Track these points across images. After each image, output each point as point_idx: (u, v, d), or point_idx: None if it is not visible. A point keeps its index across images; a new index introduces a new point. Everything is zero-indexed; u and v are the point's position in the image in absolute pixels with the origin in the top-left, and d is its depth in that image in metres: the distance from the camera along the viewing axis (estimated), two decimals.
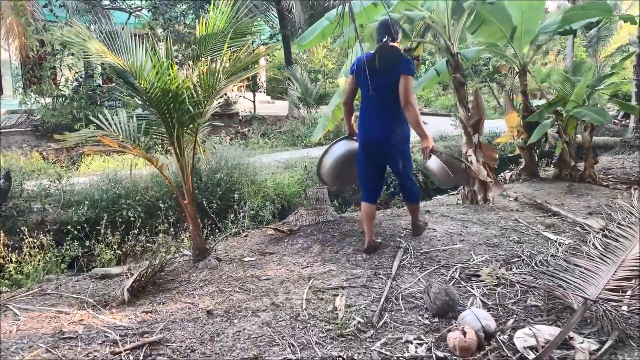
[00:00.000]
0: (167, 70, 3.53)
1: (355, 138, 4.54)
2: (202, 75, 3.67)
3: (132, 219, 5.70)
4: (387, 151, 4.20)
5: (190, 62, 3.91)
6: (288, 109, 17.11)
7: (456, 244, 4.53)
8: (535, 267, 4.03)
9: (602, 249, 4.36)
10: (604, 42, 24.17)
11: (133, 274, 3.61)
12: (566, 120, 7.28)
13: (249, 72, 3.88)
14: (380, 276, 3.80)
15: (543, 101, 7.47)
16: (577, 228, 5.17)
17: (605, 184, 7.27)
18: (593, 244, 4.53)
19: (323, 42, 21.42)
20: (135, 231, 5.17)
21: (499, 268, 3.97)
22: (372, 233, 4.28)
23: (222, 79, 3.71)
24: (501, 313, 3.28)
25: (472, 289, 3.61)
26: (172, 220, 5.52)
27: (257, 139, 12.38)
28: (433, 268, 3.96)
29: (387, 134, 4.11)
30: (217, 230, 5.86)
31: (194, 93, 3.75)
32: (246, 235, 4.96)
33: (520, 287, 3.62)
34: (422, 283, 3.67)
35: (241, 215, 5.75)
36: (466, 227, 5.14)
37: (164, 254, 4.03)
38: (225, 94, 11.81)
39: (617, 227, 5.01)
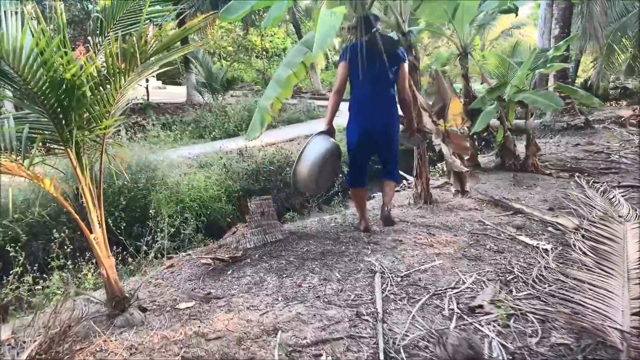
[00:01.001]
0: (58, 50, 2.42)
1: (332, 134, 4.52)
2: (111, 58, 2.59)
3: (8, 248, 4.39)
4: (387, 137, 4.42)
5: (91, 40, 2.79)
6: (187, 95, 15.69)
7: (434, 260, 3.87)
8: (535, 285, 3.47)
9: (594, 255, 3.94)
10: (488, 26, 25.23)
11: (23, 347, 2.51)
12: (507, 106, 6.94)
13: (177, 52, 2.85)
14: (365, 317, 3.01)
15: (484, 86, 7.06)
16: (550, 228, 4.74)
17: (548, 172, 7.07)
18: (580, 249, 4.10)
19: (219, 22, 20.07)
20: (17, 269, 3.91)
21: (499, 292, 3.35)
22: (366, 213, 4.78)
23: (139, 62, 2.66)
24: (529, 359, 2.64)
25: (482, 326, 2.93)
26: (67, 243, 4.30)
27: (157, 131, 10.99)
28: (423, 299, 3.24)
29: (388, 120, 4.38)
30: (128, 257, 4.71)
31: (99, 83, 2.66)
32: (171, 266, 3.91)
33: (534, 317, 3.01)
34: (419, 324, 2.93)
35: (159, 235, 4.65)
36: (433, 234, 4.52)
37: (66, 307, 2.91)
38: None
39: (590, 225, 4.66)
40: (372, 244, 4.20)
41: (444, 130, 5.20)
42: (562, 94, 8.79)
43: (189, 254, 4.14)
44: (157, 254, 4.59)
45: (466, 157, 5.44)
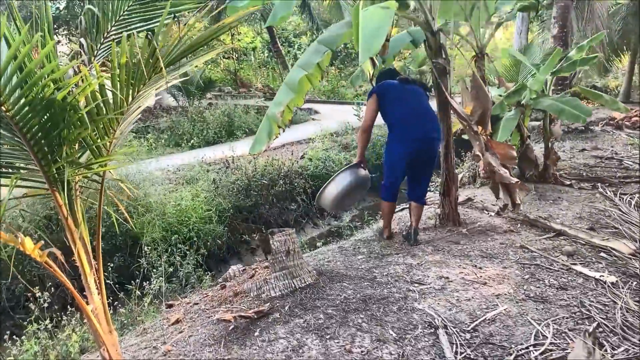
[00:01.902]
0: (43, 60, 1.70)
1: (362, 166, 4.68)
2: (120, 67, 1.89)
3: None
4: (430, 157, 4.46)
5: (85, 43, 2.06)
6: (162, 98, 14.75)
7: (496, 304, 3.27)
8: (627, 334, 2.92)
9: None
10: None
11: None
12: (524, 111, 6.44)
13: (205, 55, 2.18)
14: None
15: (502, 90, 6.54)
16: (603, 254, 4.22)
17: (569, 183, 6.59)
18: None
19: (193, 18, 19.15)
20: None
21: (594, 349, 2.77)
22: (391, 224, 4.86)
23: (161, 68, 1.98)
24: None
25: None
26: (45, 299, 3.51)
27: (129, 140, 10.12)
28: None
29: (434, 136, 4.40)
30: (113, 294, 3.95)
31: (99, 103, 1.95)
32: (178, 321, 3.19)
33: None
34: None
35: (149, 269, 3.91)
36: (479, 267, 3.93)
37: None
38: None
39: None
40: (415, 284, 3.58)
41: (486, 139, 4.62)
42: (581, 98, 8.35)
43: (197, 304, 3.41)
44: (151, 297, 3.85)
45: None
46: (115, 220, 2.70)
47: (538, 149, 7.47)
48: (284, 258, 3.30)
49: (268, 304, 3.09)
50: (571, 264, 4.04)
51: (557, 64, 6.16)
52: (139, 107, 2.18)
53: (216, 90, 19.65)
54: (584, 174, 7.26)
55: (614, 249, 4.27)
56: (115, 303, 4.04)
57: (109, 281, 4.08)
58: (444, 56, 4.55)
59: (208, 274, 4.99)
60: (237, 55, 26.05)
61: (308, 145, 9.91)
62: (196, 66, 17.40)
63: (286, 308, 3.10)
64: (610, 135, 10.72)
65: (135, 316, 3.65)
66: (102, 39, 2.15)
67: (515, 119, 5.98)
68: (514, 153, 4.87)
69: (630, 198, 5.88)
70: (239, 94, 19.35)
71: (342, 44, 4.09)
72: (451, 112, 4.68)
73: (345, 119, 11.78)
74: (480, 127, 4.70)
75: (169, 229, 5.82)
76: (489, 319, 3.09)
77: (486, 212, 5.43)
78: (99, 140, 2.02)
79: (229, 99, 13.74)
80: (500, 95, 6.63)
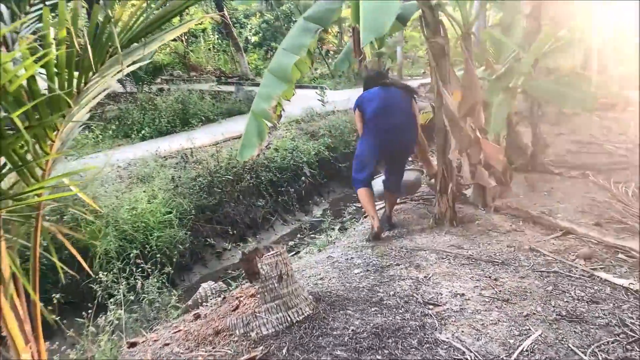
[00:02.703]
0: None
1: None
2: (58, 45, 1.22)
3: None
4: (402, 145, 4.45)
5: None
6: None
7: (527, 328, 2.81)
8: None
9: None
10: None
11: None
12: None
13: (176, 30, 1.56)
14: None
15: (488, 74, 6.07)
16: (621, 255, 3.84)
17: (558, 172, 6.25)
18: None
19: None
20: None
21: None
22: (376, 212, 4.51)
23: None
24: None
25: None
26: None
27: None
28: None
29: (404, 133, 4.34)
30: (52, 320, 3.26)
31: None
32: None
33: None
34: None
35: (109, 306, 3.24)
36: (494, 277, 3.47)
37: None
38: None
39: None
40: (429, 305, 3.06)
41: (474, 135, 4.13)
42: None
43: (168, 344, 2.77)
44: (109, 333, 3.18)
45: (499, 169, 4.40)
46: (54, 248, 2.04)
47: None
48: (275, 285, 2.70)
49: (260, 346, 2.49)
50: (591, 269, 3.63)
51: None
52: (88, 104, 1.53)
53: (167, 74, 18.53)
54: (570, 161, 6.96)
55: (632, 249, 3.90)
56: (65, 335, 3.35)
57: (53, 314, 3.37)
58: (442, 34, 4.01)
59: (174, 293, 4.31)
60: (186, 37, 24.82)
61: (273, 135, 9.25)
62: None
63: (284, 351, 2.51)
64: (580, 117, 10.55)
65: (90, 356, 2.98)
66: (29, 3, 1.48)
67: (507, 106, 5.54)
68: (502, 156, 4.41)
69: (626, 187, 5.57)
70: (190, 78, 18.34)
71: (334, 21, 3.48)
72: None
73: (308, 105, 11.14)
74: (470, 120, 4.21)
75: (125, 238, 5.10)
76: (526, 350, 2.61)
77: (481, 209, 4.98)
78: (30, 158, 1.37)
79: (181, 84, 12.78)
80: (485, 79, 6.19)
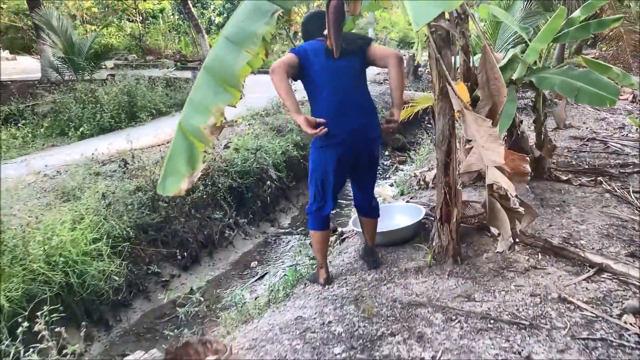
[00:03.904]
0: None
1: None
2: None
3: None
4: (369, 152, 3.39)
5: None
6: (41, 71, 12.24)
7: None
8: None
9: None
10: None
11: None
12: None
13: None
14: None
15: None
16: None
17: (565, 178, 5.38)
18: None
19: None
20: None
21: None
22: (327, 260, 3.67)
23: None
24: None
25: None
26: None
27: None
28: None
29: (363, 124, 3.30)
30: None
31: None
32: None
33: None
34: None
35: None
36: (525, 354, 2.53)
37: None
38: None
39: None
40: None
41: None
42: None
43: None
44: None
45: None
46: None
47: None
48: None
49: None
50: None
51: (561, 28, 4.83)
52: None
53: (121, 58, 17.10)
54: (574, 162, 6.12)
55: None
56: None
57: None
58: (447, 17, 3.03)
59: None
60: (142, 18, 23.21)
61: (232, 131, 8.15)
62: (86, 32, 14.75)
63: None
64: (575, 108, 9.79)
65: None
66: None
67: (514, 102, 4.62)
68: (527, 167, 3.47)
69: None
70: (146, 63, 16.97)
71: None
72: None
73: (274, 94, 10.03)
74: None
75: (36, 278, 4.00)
76: None
77: (486, 234, 4.05)
78: None
79: (133, 69, 11.44)
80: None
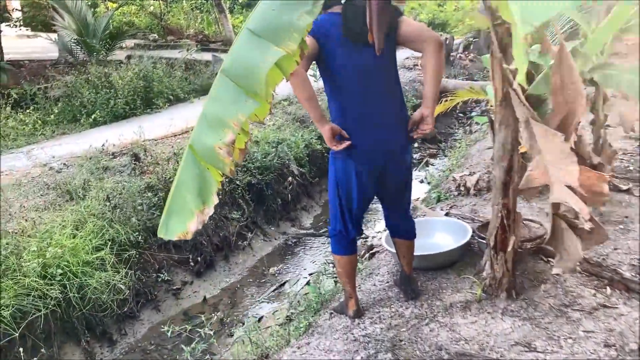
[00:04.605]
0: None
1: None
2: None
3: None
4: (399, 167, 2.87)
5: None
6: (58, 52, 11.86)
7: None
8: None
9: None
10: None
11: None
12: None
13: None
14: None
15: (546, 58, 4.52)
16: None
17: (625, 188, 4.78)
18: None
19: None
20: None
21: None
22: (355, 291, 3.11)
23: None
24: None
25: None
26: None
27: (6, 113, 7.54)
28: None
29: (399, 136, 2.79)
30: None
31: None
32: None
33: None
34: None
35: None
36: None
37: None
38: None
39: None
40: None
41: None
42: None
43: None
44: None
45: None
46: None
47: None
48: None
49: None
50: None
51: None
52: None
53: (142, 38, 16.67)
54: (631, 167, 5.50)
55: None
56: None
57: None
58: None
59: None
60: None
61: (251, 122, 7.65)
62: (107, 9, 14.25)
63: None
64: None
65: None
66: None
67: None
68: (606, 188, 2.92)
69: None
70: (167, 43, 16.51)
71: None
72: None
73: None
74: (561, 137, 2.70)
75: (30, 293, 3.60)
76: None
77: (542, 258, 3.51)
78: None
79: (153, 50, 10.92)
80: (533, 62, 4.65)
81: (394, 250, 3.36)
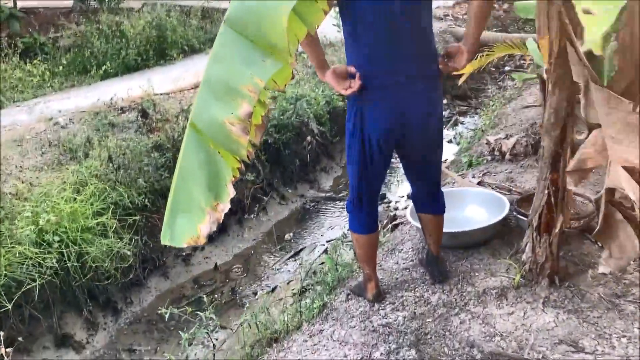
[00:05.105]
0: None
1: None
2: None
3: None
4: (427, 133, 2.47)
5: None
6: (74, 2, 11.44)
7: None
8: None
9: None
10: None
11: None
12: None
13: None
14: None
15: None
16: None
17: None
18: None
19: None
20: None
21: None
22: (375, 271, 2.77)
23: None
24: None
25: None
26: None
27: (13, 64, 7.23)
28: None
29: (428, 96, 2.40)
30: None
31: None
32: None
33: None
34: None
35: None
36: None
37: None
38: None
39: None
40: None
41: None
42: None
43: None
44: None
45: None
46: None
47: None
48: None
49: None
50: None
51: None
52: None
53: None
54: None
55: None
56: None
57: None
58: None
59: None
60: None
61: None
62: None
63: None
64: None
65: None
66: None
67: None
68: None
69: None
70: None
71: None
72: None
73: (319, 30, 8.96)
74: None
75: (24, 262, 3.37)
76: None
77: (590, 238, 3.11)
78: None
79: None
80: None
81: (419, 225, 3.02)
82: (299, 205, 6.01)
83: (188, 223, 1.56)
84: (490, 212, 3.29)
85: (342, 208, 5.87)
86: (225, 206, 1.54)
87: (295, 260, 4.95)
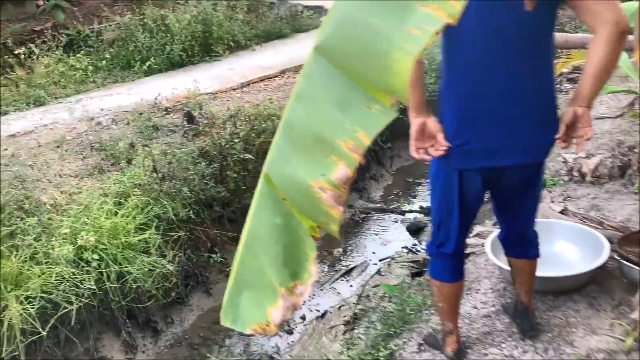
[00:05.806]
0: None
1: None
2: None
3: None
4: (528, 174, 2.09)
5: None
6: None
7: None
8: None
9: None
10: None
11: None
12: None
13: None
14: None
15: None
16: None
17: None
18: None
19: None
20: None
21: None
22: (456, 325, 2.42)
23: None
24: None
25: None
26: None
27: (57, 57, 7.07)
28: None
29: (537, 132, 1.93)
30: None
31: None
32: None
33: None
34: None
35: None
36: None
37: None
38: None
39: None
40: None
41: None
42: None
43: None
44: None
45: None
46: None
47: None
48: None
49: None
50: None
51: None
52: None
53: None
54: None
55: None
56: None
57: None
58: None
59: None
60: None
61: None
62: None
63: None
64: None
65: None
66: None
67: None
68: None
69: None
70: None
71: None
72: None
73: None
74: None
75: (60, 284, 3.12)
76: None
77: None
78: None
79: None
80: None
81: (502, 266, 2.63)
82: (347, 216, 5.65)
83: (256, 305, 1.22)
84: (583, 251, 2.87)
85: (394, 221, 5.52)
86: (305, 289, 1.19)
87: (345, 279, 4.62)
